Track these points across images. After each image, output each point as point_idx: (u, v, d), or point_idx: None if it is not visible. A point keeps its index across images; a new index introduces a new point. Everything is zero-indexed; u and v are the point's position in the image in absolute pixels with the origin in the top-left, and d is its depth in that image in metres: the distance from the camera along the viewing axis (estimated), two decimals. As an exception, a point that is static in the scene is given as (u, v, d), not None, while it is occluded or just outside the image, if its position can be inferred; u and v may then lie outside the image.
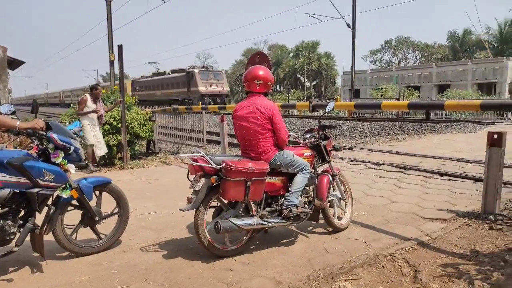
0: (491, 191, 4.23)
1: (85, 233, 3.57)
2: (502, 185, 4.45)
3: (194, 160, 3.27)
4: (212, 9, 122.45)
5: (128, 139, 8.10)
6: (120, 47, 7.74)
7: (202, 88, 33.93)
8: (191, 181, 3.35)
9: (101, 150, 7.76)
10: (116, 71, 15.97)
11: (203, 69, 36.44)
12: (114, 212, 3.66)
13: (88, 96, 7.59)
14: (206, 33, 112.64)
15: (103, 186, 3.54)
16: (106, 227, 3.62)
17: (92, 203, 3.49)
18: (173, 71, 40.29)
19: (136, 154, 9.04)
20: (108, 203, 3.64)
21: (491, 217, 4.17)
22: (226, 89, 36.21)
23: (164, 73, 42.65)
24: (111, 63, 16.55)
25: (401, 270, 3.15)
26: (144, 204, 5.08)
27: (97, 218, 3.48)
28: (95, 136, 7.63)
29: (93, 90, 7.69)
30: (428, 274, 3.04)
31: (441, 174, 6.53)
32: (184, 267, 3.19)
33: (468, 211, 4.50)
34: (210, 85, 34.56)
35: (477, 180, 5.86)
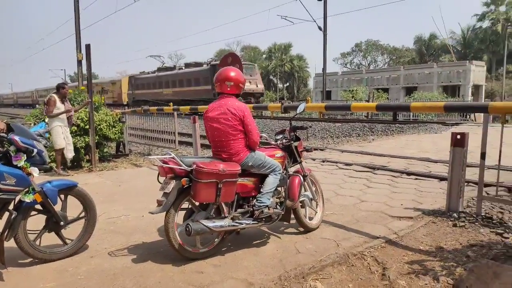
0: (455, 190, 4.40)
1: (49, 239, 3.44)
2: (465, 183, 4.63)
3: (164, 162, 3.22)
4: (183, 10, 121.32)
5: (96, 140, 7.89)
6: (88, 47, 7.52)
7: None
8: (161, 183, 3.30)
9: (71, 152, 7.50)
10: (84, 71, 15.52)
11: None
12: (80, 216, 3.55)
13: (55, 96, 7.30)
14: (178, 33, 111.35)
15: (69, 189, 3.43)
16: (72, 232, 3.50)
17: (57, 207, 3.37)
18: (188, 65, 33.03)
19: (105, 156, 8.81)
20: (74, 207, 3.52)
21: (454, 214, 4.34)
22: (261, 86, 27.89)
23: (173, 67, 35.43)
24: (79, 62, 16.06)
25: (369, 268, 3.21)
26: (113, 208, 4.95)
27: (62, 223, 3.36)
28: (66, 138, 7.35)
29: (60, 89, 7.39)
30: (395, 271, 3.12)
31: (408, 174, 6.73)
32: (154, 271, 3.13)
33: (433, 209, 4.65)
34: None
35: (442, 179, 6.08)
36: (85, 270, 3.17)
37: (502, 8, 43.95)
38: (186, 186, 3.22)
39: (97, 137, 7.98)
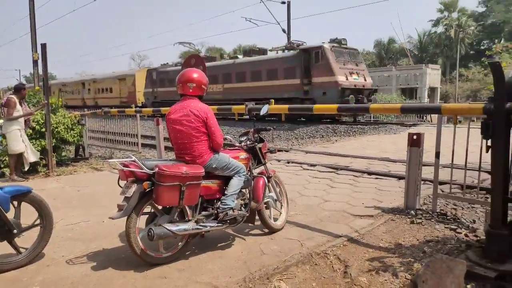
0: (412, 188, 4.58)
1: (2, 248, 3.25)
2: (422, 182, 4.83)
3: (125, 165, 3.13)
4: (146, 10, 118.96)
5: (53, 144, 7.56)
6: (43, 46, 7.21)
7: (341, 78, 17.52)
8: (122, 187, 3.21)
9: (35, 155, 7.11)
10: (41, 71, 14.84)
11: (336, 45, 18.68)
12: (35, 223, 3.38)
13: (15, 97, 6.90)
14: (140, 34, 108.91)
15: (22, 195, 3.26)
16: (27, 240, 3.34)
17: (10, 214, 3.20)
18: (248, 52, 24.71)
19: (63, 160, 8.46)
20: (29, 214, 3.35)
21: (412, 212, 4.52)
22: (369, 80, 19.80)
23: (221, 57, 27.74)
24: (35, 63, 15.36)
25: (332, 266, 3.28)
26: (72, 214, 4.76)
27: (15, 231, 3.19)
28: (24, 141, 6.96)
29: (20, 90, 7.02)
30: (357, 268, 3.20)
31: (369, 173, 6.94)
32: (115, 278, 3.03)
33: (392, 207, 4.82)
34: (351, 73, 18.19)
35: (400, 178, 6.32)
36: (41, 280, 3.02)
37: (455, 15, 46.38)
38: (148, 189, 3.15)
39: (54, 141, 7.65)
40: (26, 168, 7.13)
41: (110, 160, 3.47)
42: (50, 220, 3.42)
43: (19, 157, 6.94)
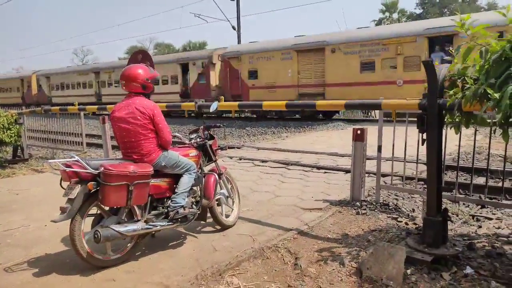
0: (357, 180, 4.81)
1: None
2: (366, 174, 5.08)
3: (68, 166, 2.99)
4: (91, 2, 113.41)
5: (-13, 145, 7.02)
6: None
7: None
8: (65, 188, 3.06)
9: None
10: (-29, 66, 13.68)
11: None
12: (-33, 231, 3.14)
13: None
14: (82, 28, 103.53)
15: (-48, 201, 3.01)
16: (-42, 249, 3.09)
17: None
18: None
19: (0, 162, 7.88)
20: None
21: (357, 203, 4.74)
22: None
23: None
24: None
25: (283, 259, 3.36)
26: (10, 219, 4.47)
27: None
28: None
29: None
30: (306, 260, 3.31)
31: (318, 168, 7.17)
32: (59, 284, 2.90)
33: (340, 199, 5.02)
34: None
35: (347, 171, 6.58)
36: (-25, 291, 2.82)
37: (395, 15, 48.97)
38: (93, 190, 3.03)
39: (-12, 141, 7.11)
40: None
41: (51, 161, 3.29)
42: (-16, 226, 3.19)
43: None
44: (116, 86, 25.73)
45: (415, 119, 3.34)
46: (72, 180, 3.00)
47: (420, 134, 3.37)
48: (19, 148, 9.00)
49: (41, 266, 3.20)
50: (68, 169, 2.97)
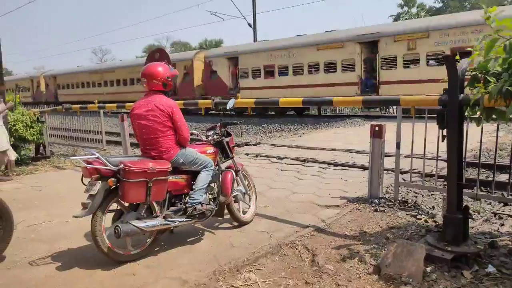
0: (375, 177, 4.76)
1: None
2: (384, 171, 5.02)
3: (89, 163, 3.06)
4: (107, 2, 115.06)
5: (12, 143, 7.21)
6: (-3, 40, 6.84)
7: None
8: (86, 185, 3.13)
9: (13, 152, 6.75)
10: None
11: None
12: (-6, 225, 3.24)
13: None
14: (101, 28, 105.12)
15: (-21, 197, 3.11)
16: (-15, 243, 3.20)
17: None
18: None
19: (23, 160, 8.10)
20: (-14, 216, 3.21)
21: (376, 200, 4.69)
22: None
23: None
24: (-12, 57, 14.58)
25: (300, 255, 3.36)
26: (33, 214, 4.59)
27: (-28, 234, 3.05)
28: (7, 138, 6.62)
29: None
30: (324, 257, 3.30)
31: (335, 165, 7.12)
32: (81, 278, 2.97)
33: (357, 196, 4.98)
34: None
35: (364, 168, 6.52)
36: (1, 283, 2.91)
37: (414, 10, 48.03)
38: (113, 186, 3.10)
39: (12, 139, 7.31)
40: (3, 167, 6.76)
41: (72, 158, 3.37)
42: (10, 221, 3.29)
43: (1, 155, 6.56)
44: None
45: (435, 115, 3.29)
46: (93, 176, 3.07)
47: (440, 131, 3.31)
48: (41, 145, 9.24)
49: (63, 261, 3.29)
50: (89, 166, 3.04)
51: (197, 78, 22.83)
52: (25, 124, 7.83)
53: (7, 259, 3.32)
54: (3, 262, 3.27)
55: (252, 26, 26.17)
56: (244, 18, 26.50)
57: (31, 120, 8.05)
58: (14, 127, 7.55)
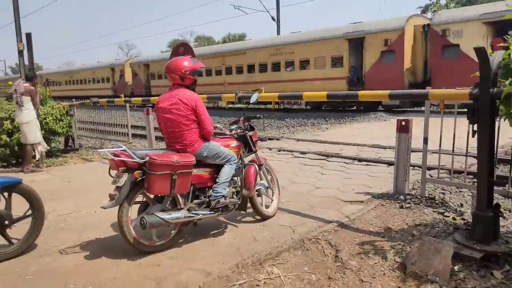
0: (401, 173, 4.66)
1: (-7, 239, 3.25)
2: (411, 167, 4.90)
3: (116, 155, 3.13)
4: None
5: (42, 135, 7.47)
6: (28, 36, 7.10)
7: None
8: (113, 177, 3.21)
9: (43, 144, 7.06)
10: (27, 61, 14.59)
11: None
12: (26, 214, 3.38)
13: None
14: (126, 23, 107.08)
15: (12, 187, 3.24)
16: (19, 231, 3.34)
17: (1, 205, 3.19)
18: None
19: (53, 152, 8.39)
20: (20, 205, 3.34)
21: (401, 197, 4.59)
22: None
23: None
24: (20, 52, 15.08)
25: (323, 251, 3.34)
26: (63, 205, 4.75)
27: (6, 222, 3.19)
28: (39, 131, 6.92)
29: (32, 79, 6.93)
30: (347, 252, 3.26)
31: (359, 160, 7.02)
32: (108, 267, 3.05)
33: (382, 192, 4.90)
34: None
35: (390, 164, 6.39)
36: (34, 270, 3.03)
37: (443, 1, 46.47)
38: (139, 178, 3.16)
39: (43, 132, 7.56)
40: (37, 158, 7.05)
41: (100, 150, 3.46)
42: (41, 211, 3.41)
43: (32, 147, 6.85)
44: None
45: (465, 109, 3.18)
46: (120, 168, 3.14)
47: (471, 126, 3.20)
48: (70, 138, 9.53)
49: (91, 250, 3.39)
50: (116, 158, 3.11)
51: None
52: (55, 118, 8.08)
53: (39, 247, 3.45)
54: (35, 249, 3.41)
55: (276, 20, 26.00)
56: (268, 11, 26.39)
57: (61, 113, 8.30)
58: (44, 120, 7.80)
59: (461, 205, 4.41)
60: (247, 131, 4.03)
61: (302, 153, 7.98)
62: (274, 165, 4.89)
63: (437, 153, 4.59)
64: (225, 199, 3.54)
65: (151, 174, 3.10)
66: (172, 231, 3.43)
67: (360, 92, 4.43)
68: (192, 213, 3.40)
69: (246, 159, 4.07)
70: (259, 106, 20.43)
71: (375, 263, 3.06)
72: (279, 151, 8.41)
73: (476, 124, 3.09)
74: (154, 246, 3.31)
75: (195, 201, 3.51)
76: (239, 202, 3.72)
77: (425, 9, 47.24)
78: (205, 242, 3.55)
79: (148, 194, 3.31)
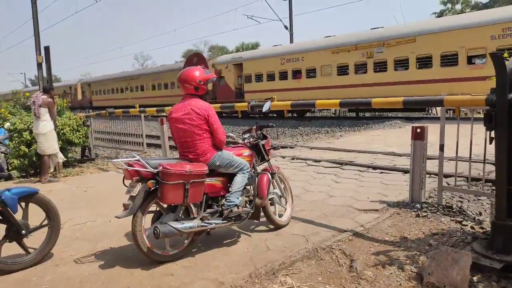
0: (417, 181, 4.57)
1: (11, 248, 3.30)
2: (427, 175, 4.82)
3: (130, 165, 3.16)
4: (148, 10, 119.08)
5: (60, 145, 7.62)
6: (47, 49, 7.29)
7: None
8: (127, 186, 3.24)
9: (60, 155, 7.23)
10: (45, 74, 14.98)
11: None
12: (43, 224, 3.43)
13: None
14: (142, 34, 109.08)
15: (30, 197, 3.30)
16: (35, 240, 3.38)
17: (18, 215, 3.25)
18: None
19: (69, 162, 8.54)
20: (36, 215, 3.40)
21: (417, 205, 4.51)
22: None
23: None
24: (39, 65, 15.49)
25: (338, 260, 3.29)
26: (79, 214, 4.81)
27: (23, 232, 3.24)
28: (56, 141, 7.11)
29: (49, 91, 7.13)
30: (362, 262, 3.21)
31: (374, 168, 6.93)
32: (122, 277, 3.07)
33: (397, 201, 4.81)
34: None
35: (405, 171, 6.29)
36: (49, 279, 3.07)
37: (458, 7, 45.92)
38: (153, 188, 3.18)
39: (60, 142, 7.72)
40: (52, 169, 7.20)
41: (114, 160, 3.50)
42: (57, 220, 3.46)
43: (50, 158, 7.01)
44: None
45: (482, 115, 3.11)
46: (133, 178, 3.17)
47: (488, 132, 3.13)
48: (86, 148, 9.70)
49: (106, 259, 3.41)
50: (130, 168, 3.14)
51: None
52: (72, 128, 8.24)
53: (55, 256, 3.49)
54: (51, 259, 3.45)
55: (289, 29, 26.11)
56: (281, 20, 26.52)
57: (78, 124, 8.46)
58: (62, 131, 7.96)
59: (480, 213, 4.30)
60: (259, 140, 4.03)
61: (316, 161, 7.92)
62: (287, 173, 4.87)
63: (453, 160, 4.50)
64: (238, 208, 3.53)
65: (164, 184, 3.12)
66: (186, 241, 3.43)
67: (374, 100, 4.38)
68: (205, 223, 3.40)
69: (259, 168, 4.06)
70: (272, 114, 20.40)
71: (391, 273, 3.00)
72: (293, 159, 8.37)
73: (493, 131, 3.02)
74: (167, 255, 3.31)
75: (208, 210, 3.51)
76: (252, 211, 3.71)
77: (440, 15, 46.78)
78: (218, 251, 3.54)
79: (161, 204, 3.33)
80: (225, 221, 3.51)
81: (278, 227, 4.02)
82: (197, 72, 3.48)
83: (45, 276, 3.12)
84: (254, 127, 4.11)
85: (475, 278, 2.75)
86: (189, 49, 64.38)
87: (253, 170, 3.86)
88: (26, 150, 7.32)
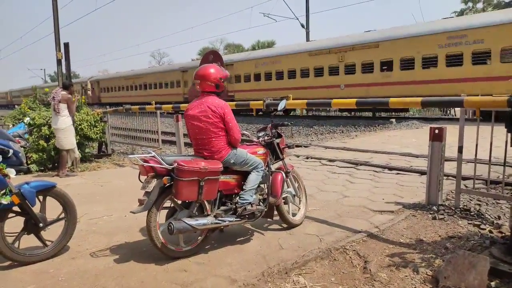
0: (434, 183, 4.49)
1: (29, 241, 3.37)
2: (444, 177, 4.72)
3: (145, 161, 3.19)
4: (165, 7, 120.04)
5: (77, 141, 7.76)
6: (66, 45, 7.42)
7: None
8: (142, 182, 3.27)
9: (76, 150, 7.39)
10: (64, 70, 15.25)
11: None
12: (60, 217, 3.50)
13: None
14: (159, 32, 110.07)
15: (47, 190, 3.37)
16: (53, 233, 3.45)
17: (36, 208, 3.31)
18: None
19: (86, 157, 8.68)
20: (54, 209, 3.47)
21: (434, 207, 4.43)
22: None
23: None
24: (59, 61, 15.78)
25: (351, 261, 3.26)
26: (95, 208, 4.89)
27: (41, 225, 3.31)
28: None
29: (69, 87, 7.28)
30: (376, 264, 3.17)
31: (390, 169, 6.84)
32: (137, 271, 3.11)
33: (414, 202, 4.74)
34: None
35: (422, 173, 6.19)
36: (66, 272, 3.12)
37: (479, 6, 44.90)
38: (167, 184, 3.21)
39: (78, 137, 7.85)
40: (70, 164, 7.35)
41: (130, 156, 3.55)
42: (74, 214, 3.52)
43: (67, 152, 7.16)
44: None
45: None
46: (149, 174, 3.20)
47: (509, 134, 3.05)
48: (103, 144, 9.84)
49: (121, 253, 3.46)
50: (145, 164, 3.17)
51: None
52: (89, 124, 8.37)
53: (71, 250, 3.56)
54: (68, 252, 3.52)
55: (305, 27, 25.96)
56: (297, 18, 26.38)
57: (95, 119, 8.59)
58: (79, 126, 8.10)
59: (499, 217, 4.20)
60: (274, 138, 4.02)
61: (331, 160, 7.87)
62: (301, 172, 4.85)
63: (472, 162, 4.41)
64: (251, 206, 3.53)
65: (179, 180, 3.14)
66: (199, 237, 3.45)
67: (392, 99, 4.32)
68: (219, 220, 3.41)
69: (273, 167, 4.05)
70: (287, 113, 20.34)
71: (406, 276, 2.96)
72: (307, 158, 8.33)
73: (515, 133, 2.94)
74: (180, 251, 3.34)
75: (222, 207, 3.52)
76: (265, 209, 3.70)
77: (460, 14, 45.81)
78: (231, 249, 3.55)
79: (176, 200, 3.35)
80: (238, 219, 3.51)
81: (291, 226, 4.01)
82: (217, 70, 3.49)
83: (61, 269, 3.19)
84: (269, 125, 4.10)
85: (493, 284, 2.68)
86: (205, 47, 64.73)
87: (267, 169, 3.85)
88: (45, 144, 7.47)
